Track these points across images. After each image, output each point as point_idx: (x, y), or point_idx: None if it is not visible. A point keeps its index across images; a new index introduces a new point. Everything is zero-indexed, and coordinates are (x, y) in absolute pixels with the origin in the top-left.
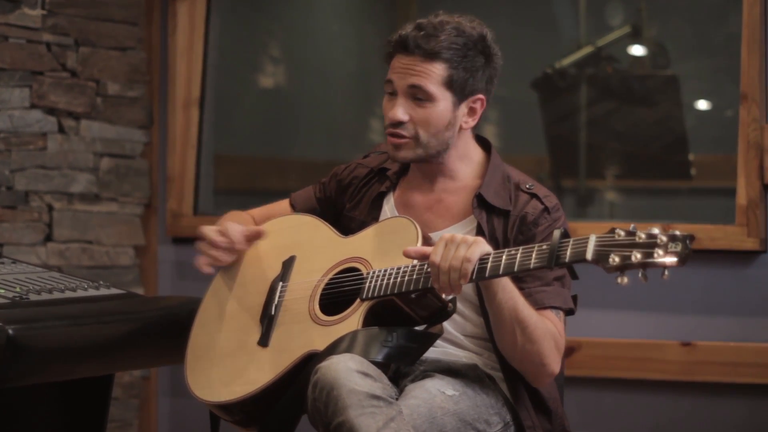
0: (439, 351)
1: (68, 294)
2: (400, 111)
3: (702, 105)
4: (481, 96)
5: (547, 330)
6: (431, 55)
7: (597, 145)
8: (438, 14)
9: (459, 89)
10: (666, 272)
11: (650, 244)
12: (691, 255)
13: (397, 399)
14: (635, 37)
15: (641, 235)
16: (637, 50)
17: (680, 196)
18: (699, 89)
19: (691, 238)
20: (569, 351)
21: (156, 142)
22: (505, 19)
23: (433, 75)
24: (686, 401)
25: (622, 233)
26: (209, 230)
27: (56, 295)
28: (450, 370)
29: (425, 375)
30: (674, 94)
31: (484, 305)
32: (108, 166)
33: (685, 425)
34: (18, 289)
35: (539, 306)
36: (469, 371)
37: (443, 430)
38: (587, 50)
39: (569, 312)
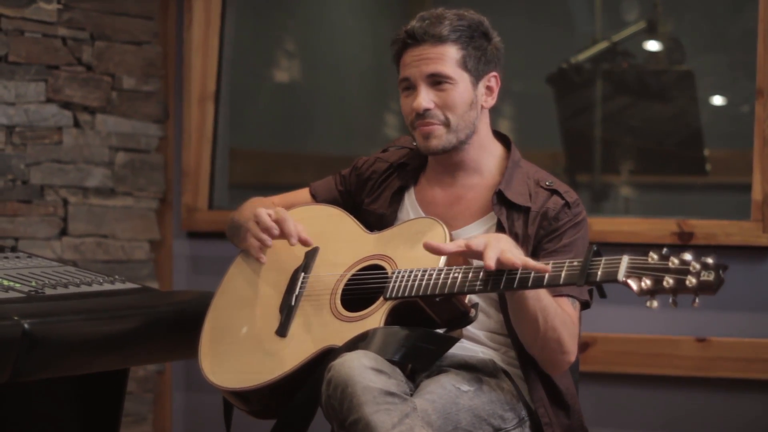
0: (455, 346)
1: (83, 288)
2: (425, 99)
3: (717, 100)
4: (494, 73)
5: (565, 318)
6: (441, 39)
7: (612, 141)
8: (435, 8)
9: (474, 69)
10: (697, 300)
11: (683, 271)
12: (723, 283)
13: (412, 394)
14: (651, 33)
15: (674, 261)
16: (653, 45)
17: (695, 192)
18: (714, 84)
19: (725, 267)
20: (584, 346)
21: (171, 137)
22: (521, 14)
23: (447, 58)
24: (701, 397)
25: (656, 257)
26: (264, 214)
27: (72, 289)
28: (466, 366)
29: (441, 370)
30: (690, 90)
31: (503, 302)
32: (123, 160)
33: (699, 421)
34: (34, 284)
35: (556, 293)
36: (485, 366)
37: (458, 426)
38: (603, 45)
39: (585, 305)
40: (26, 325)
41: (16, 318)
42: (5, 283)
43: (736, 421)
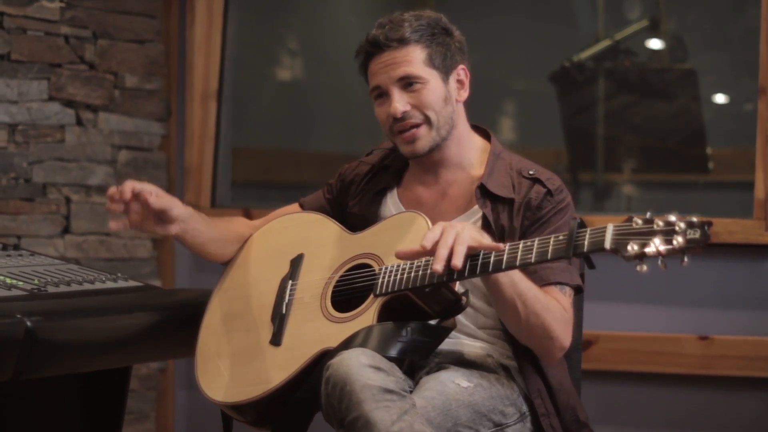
0: (453, 342)
1: (86, 286)
2: (400, 102)
3: (720, 98)
4: (462, 66)
5: (549, 303)
6: (404, 42)
7: (615, 139)
8: (394, 13)
9: (441, 65)
10: (686, 259)
11: (669, 231)
12: (710, 240)
13: (411, 391)
14: (653, 31)
15: (659, 223)
16: (655, 44)
17: (698, 190)
18: (717, 83)
19: (709, 224)
20: (586, 344)
21: (174, 135)
22: (524, 12)
23: (414, 59)
24: (703, 395)
25: (640, 221)
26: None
27: (74, 287)
28: (465, 362)
29: (440, 367)
30: (692, 88)
31: None
32: (126, 158)
33: (702, 419)
34: (36, 282)
35: (545, 282)
36: (484, 362)
37: (458, 422)
38: (605, 44)
39: (578, 289)
40: (29, 323)
41: (18, 316)
42: (8, 281)
43: (739, 419)
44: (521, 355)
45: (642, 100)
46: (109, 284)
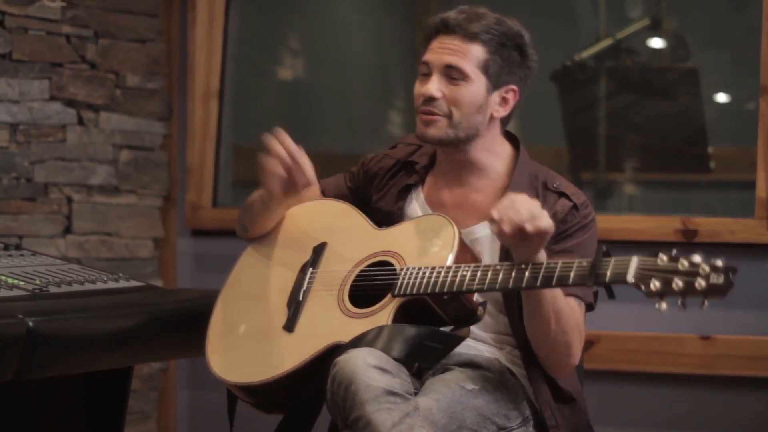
0: (461, 345)
1: (87, 286)
2: (434, 87)
3: (721, 97)
4: (514, 87)
5: (577, 321)
6: (471, 36)
7: (616, 138)
8: (480, 6)
9: (494, 76)
10: (706, 303)
11: (692, 273)
12: (733, 287)
13: (417, 393)
14: (654, 30)
15: (684, 263)
16: (657, 43)
17: (699, 189)
18: (718, 82)
19: (734, 270)
20: (588, 344)
21: (175, 134)
22: (525, 10)
23: (471, 56)
24: (705, 395)
25: (665, 258)
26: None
27: (75, 287)
28: (471, 364)
29: (446, 369)
30: (694, 87)
31: (508, 304)
32: (127, 158)
33: (703, 419)
34: (37, 282)
35: (566, 293)
36: (490, 365)
37: (463, 425)
38: (606, 42)
39: (589, 307)
40: (30, 323)
41: (20, 316)
42: (9, 281)
43: (740, 418)
44: (531, 363)
45: (643, 99)
46: (111, 284)
